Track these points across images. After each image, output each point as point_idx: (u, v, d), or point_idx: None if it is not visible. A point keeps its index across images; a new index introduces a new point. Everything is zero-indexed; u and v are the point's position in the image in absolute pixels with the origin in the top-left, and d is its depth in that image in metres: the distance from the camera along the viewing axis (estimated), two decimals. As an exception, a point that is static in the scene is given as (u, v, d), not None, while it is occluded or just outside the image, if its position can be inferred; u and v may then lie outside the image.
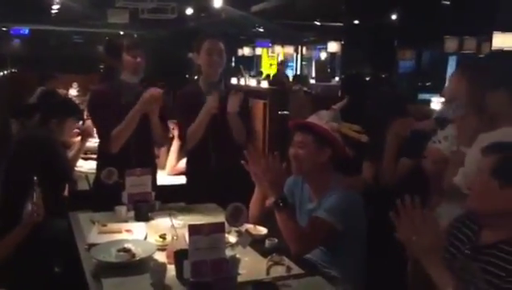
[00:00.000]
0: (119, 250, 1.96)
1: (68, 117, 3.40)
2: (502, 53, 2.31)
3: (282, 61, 12.67)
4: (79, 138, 3.76)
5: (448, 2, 8.76)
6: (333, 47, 12.63)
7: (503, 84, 1.91)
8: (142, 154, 2.86)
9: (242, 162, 2.22)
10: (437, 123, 2.41)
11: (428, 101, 5.85)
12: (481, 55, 8.60)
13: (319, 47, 15.31)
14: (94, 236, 2.20)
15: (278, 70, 11.73)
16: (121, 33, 10.78)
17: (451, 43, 8.80)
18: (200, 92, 2.89)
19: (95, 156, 3.50)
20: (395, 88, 7.03)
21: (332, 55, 14.26)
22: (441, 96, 2.80)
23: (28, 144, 3.21)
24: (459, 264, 1.61)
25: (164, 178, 3.54)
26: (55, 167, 3.17)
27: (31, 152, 3.15)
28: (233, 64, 16.14)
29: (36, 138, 3.25)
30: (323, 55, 15.14)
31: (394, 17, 10.12)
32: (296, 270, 1.92)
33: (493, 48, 7.64)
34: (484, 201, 1.55)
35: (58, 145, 3.29)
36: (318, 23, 12.23)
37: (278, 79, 10.35)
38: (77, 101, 7.08)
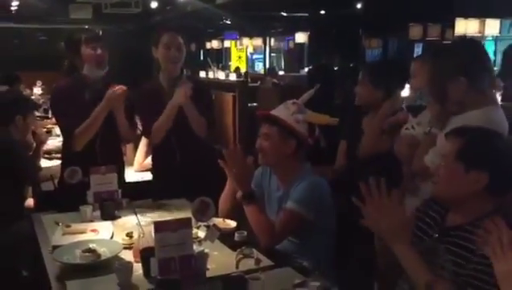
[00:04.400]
0: (84, 251, 1.91)
1: (30, 112, 3.29)
2: (466, 40, 2.34)
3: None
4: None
5: (411, -11, 8.88)
6: (301, 37, 12.66)
7: (462, 71, 1.93)
8: (108, 151, 2.81)
9: (219, 161, 2.17)
10: (409, 111, 2.44)
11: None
12: (446, 42, 8.76)
13: (287, 38, 15.32)
14: (58, 237, 2.14)
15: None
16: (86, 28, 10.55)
17: (415, 31, 8.92)
18: (160, 87, 2.84)
19: (59, 155, 3.43)
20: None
21: (300, 45, 14.30)
22: (408, 84, 2.85)
23: None
24: (426, 246, 1.62)
25: (132, 175, 3.48)
26: (18, 170, 3.07)
27: None
28: (202, 57, 16.03)
29: None
30: (291, 46, 15.17)
31: (359, 6, 10.21)
32: (266, 262, 1.91)
33: (455, 34, 7.79)
34: (450, 185, 1.56)
35: (19, 146, 3.19)
36: (285, 14, 12.24)
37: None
38: (42, 100, 6.96)
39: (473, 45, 2.07)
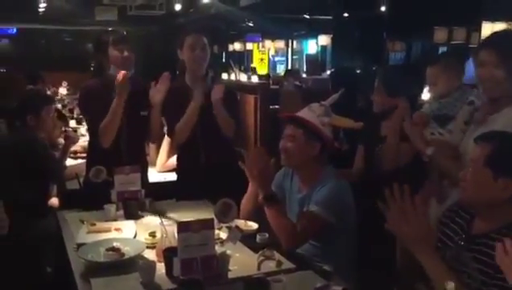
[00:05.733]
0: (108, 250, 1.93)
1: (41, 108, 3.35)
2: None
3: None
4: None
5: (437, -7, 8.76)
6: (324, 40, 12.61)
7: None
8: (132, 151, 2.84)
9: (240, 163, 2.18)
10: (435, 121, 2.38)
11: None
12: (471, 46, 8.62)
13: (310, 40, 15.28)
14: (83, 235, 2.18)
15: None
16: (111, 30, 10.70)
17: (440, 34, 8.79)
18: (186, 88, 2.87)
19: (84, 155, 3.49)
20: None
21: (322, 48, 14.25)
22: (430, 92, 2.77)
23: (11, 149, 3.18)
24: (451, 254, 1.60)
25: (155, 175, 3.51)
26: (40, 168, 3.13)
27: (15, 158, 3.11)
28: (224, 59, 16.08)
29: (17, 142, 3.21)
30: (314, 49, 15.11)
31: (383, 9, 10.12)
32: (287, 264, 1.91)
33: (482, 38, 7.64)
34: (477, 191, 1.54)
35: (40, 145, 3.25)
36: (307, 17, 12.20)
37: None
38: (67, 100, 7.10)
39: None
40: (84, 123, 4.39)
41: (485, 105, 2.05)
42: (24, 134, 3.26)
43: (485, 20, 7.59)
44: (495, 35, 2.15)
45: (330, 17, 11.16)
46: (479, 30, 7.73)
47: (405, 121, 2.41)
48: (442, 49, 9.98)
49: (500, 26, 7.54)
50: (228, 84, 2.96)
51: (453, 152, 2.09)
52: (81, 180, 3.08)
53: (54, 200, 3.48)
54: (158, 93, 2.76)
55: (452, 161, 2.07)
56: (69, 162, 3.71)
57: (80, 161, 3.68)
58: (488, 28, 7.59)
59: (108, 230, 2.24)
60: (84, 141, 3.98)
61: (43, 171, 3.16)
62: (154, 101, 2.77)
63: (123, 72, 2.66)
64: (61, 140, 4.50)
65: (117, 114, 2.70)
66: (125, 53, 2.76)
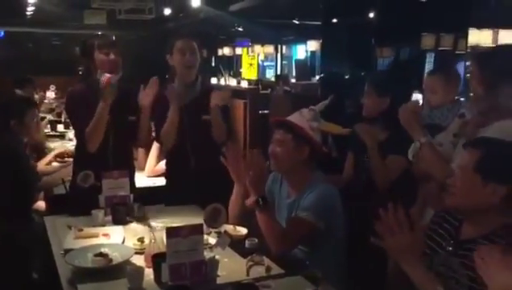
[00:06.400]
0: (96, 255, 1.92)
1: (24, 113, 3.32)
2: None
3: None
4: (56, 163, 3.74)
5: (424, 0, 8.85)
6: (313, 45, 12.66)
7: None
8: (119, 156, 2.82)
9: (221, 158, 2.19)
10: (427, 129, 2.38)
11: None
12: (458, 52, 8.72)
13: (299, 46, 15.33)
14: (70, 241, 2.16)
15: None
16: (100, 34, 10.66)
17: (428, 41, 8.87)
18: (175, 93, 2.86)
19: (71, 160, 3.46)
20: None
21: (312, 53, 14.31)
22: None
23: None
24: (439, 260, 1.61)
25: (144, 180, 3.50)
26: (18, 174, 3.11)
27: None
28: (213, 63, 16.08)
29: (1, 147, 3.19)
30: (303, 54, 15.17)
31: (371, 15, 10.19)
32: (276, 270, 1.91)
33: (469, 45, 7.74)
34: (466, 196, 1.55)
35: (21, 154, 3.22)
36: (297, 22, 12.25)
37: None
38: (55, 104, 7.04)
39: None
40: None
41: (475, 118, 2.07)
42: (7, 139, 3.23)
43: (472, 27, 7.69)
44: (483, 51, 2.19)
45: (319, 22, 11.22)
46: (466, 36, 7.83)
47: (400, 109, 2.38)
48: (429, 55, 10.08)
49: (486, 33, 7.64)
50: (218, 89, 2.95)
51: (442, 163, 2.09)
52: (67, 185, 3.06)
53: (40, 204, 3.45)
54: (146, 96, 2.75)
55: (438, 166, 2.08)
56: (55, 167, 3.69)
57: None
58: (474, 35, 7.69)
59: (96, 236, 2.22)
60: (71, 145, 3.95)
61: (19, 176, 3.14)
62: (143, 104, 2.77)
63: (108, 75, 2.65)
64: (48, 144, 4.49)
65: (103, 119, 2.68)
66: (112, 56, 2.74)
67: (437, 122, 2.43)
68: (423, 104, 2.47)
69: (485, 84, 1.95)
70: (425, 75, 2.69)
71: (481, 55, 2.09)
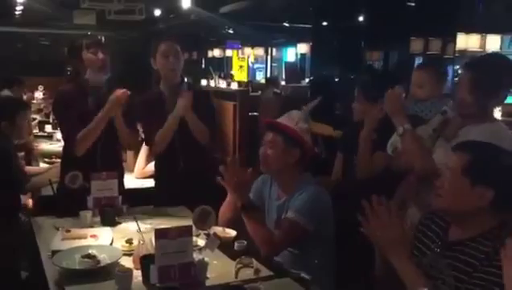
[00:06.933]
0: (83, 257, 1.90)
1: (16, 114, 3.30)
2: (499, 55, 2.31)
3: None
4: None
5: (413, 4, 8.91)
6: (303, 48, 12.70)
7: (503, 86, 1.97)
8: (108, 157, 2.81)
9: (218, 178, 2.17)
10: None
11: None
12: (446, 56, 8.80)
13: (289, 48, 15.38)
14: (57, 242, 2.14)
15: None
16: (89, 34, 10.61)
17: (416, 45, 8.94)
18: (162, 95, 2.86)
19: (59, 160, 3.44)
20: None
21: (301, 56, 14.35)
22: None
23: None
24: (427, 261, 1.62)
25: (133, 181, 3.48)
26: (7, 178, 3.08)
27: None
28: (203, 65, 16.05)
29: None
30: (293, 57, 15.21)
31: (360, 19, 10.26)
32: (265, 272, 1.91)
33: (457, 49, 7.82)
34: (454, 199, 1.56)
35: (11, 155, 3.20)
36: (287, 25, 12.29)
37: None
38: (43, 104, 6.98)
39: (506, 61, 2.10)
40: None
41: (457, 119, 2.11)
42: None
43: (460, 32, 7.77)
44: (472, 59, 2.24)
45: (309, 25, 11.26)
46: (454, 41, 7.91)
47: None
48: (418, 59, 10.16)
49: (474, 37, 7.73)
50: (202, 90, 2.95)
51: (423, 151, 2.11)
52: (55, 186, 3.04)
53: (28, 201, 3.43)
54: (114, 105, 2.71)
55: (419, 153, 2.10)
56: (43, 168, 3.67)
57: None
58: (462, 39, 7.77)
59: (83, 237, 2.21)
60: (59, 146, 3.92)
61: (11, 180, 3.11)
62: (182, 113, 2.74)
63: (124, 90, 2.65)
64: (35, 144, 4.46)
65: (100, 126, 2.69)
66: (100, 55, 2.74)
67: (420, 116, 2.45)
68: (406, 96, 2.49)
69: (471, 90, 2.00)
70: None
71: (471, 62, 2.13)
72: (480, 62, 2.17)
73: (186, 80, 2.94)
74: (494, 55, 2.55)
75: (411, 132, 2.13)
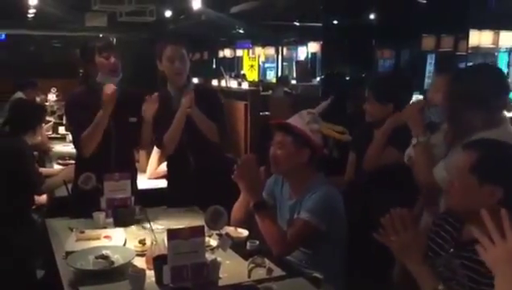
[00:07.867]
0: (97, 258, 1.92)
1: (38, 125, 3.37)
2: (487, 67, 2.27)
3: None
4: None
5: (425, 1, 8.85)
6: (314, 47, 12.69)
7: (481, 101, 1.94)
8: (121, 158, 2.82)
9: (232, 177, 2.17)
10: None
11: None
12: (459, 53, 8.71)
13: (300, 47, 15.36)
14: (72, 243, 2.16)
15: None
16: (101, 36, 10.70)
17: (428, 42, 8.89)
18: (169, 97, 2.86)
19: (73, 161, 3.47)
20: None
21: (312, 55, 14.33)
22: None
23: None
24: (441, 262, 1.61)
25: (145, 182, 3.50)
26: (24, 179, 3.12)
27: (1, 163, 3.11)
28: (214, 65, 16.10)
29: (8, 149, 3.20)
30: (304, 56, 15.19)
31: (372, 16, 10.21)
32: (278, 272, 1.90)
33: (469, 46, 7.76)
34: (464, 198, 1.55)
35: (29, 157, 3.24)
36: (297, 24, 12.28)
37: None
38: (56, 106, 7.05)
39: (494, 73, 2.07)
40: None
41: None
42: (13, 143, 3.24)
43: (473, 28, 7.70)
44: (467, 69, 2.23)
45: (320, 24, 11.24)
46: (466, 38, 7.84)
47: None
48: (430, 56, 10.09)
49: (487, 34, 7.66)
50: (209, 88, 2.94)
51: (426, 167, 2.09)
52: (69, 186, 3.07)
53: (42, 198, 3.48)
54: (149, 110, 2.74)
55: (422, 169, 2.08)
56: (57, 169, 3.70)
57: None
58: (475, 36, 7.70)
59: (97, 238, 2.22)
60: (72, 148, 3.95)
61: (27, 182, 3.15)
62: (146, 116, 2.75)
63: (113, 86, 2.65)
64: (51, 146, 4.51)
65: (101, 126, 2.68)
66: (112, 59, 2.74)
67: (432, 119, 2.44)
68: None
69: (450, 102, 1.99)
70: (427, 75, 2.67)
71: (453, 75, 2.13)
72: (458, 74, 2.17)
73: (193, 80, 2.93)
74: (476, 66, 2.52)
75: (423, 145, 2.11)
